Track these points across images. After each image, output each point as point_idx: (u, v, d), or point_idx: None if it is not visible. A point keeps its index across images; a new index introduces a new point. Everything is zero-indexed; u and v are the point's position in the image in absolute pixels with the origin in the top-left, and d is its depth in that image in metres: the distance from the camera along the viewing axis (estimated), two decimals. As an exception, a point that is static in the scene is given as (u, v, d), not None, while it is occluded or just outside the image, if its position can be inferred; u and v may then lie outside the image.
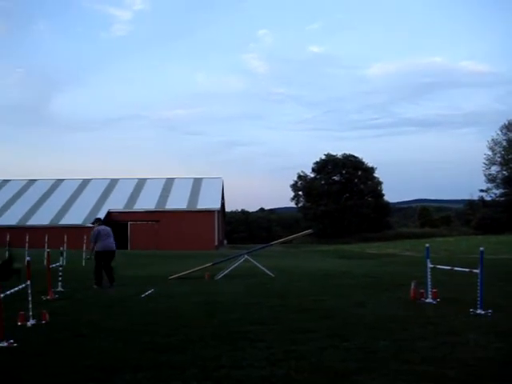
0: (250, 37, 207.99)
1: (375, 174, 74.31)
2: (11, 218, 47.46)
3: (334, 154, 75.08)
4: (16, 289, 10.89)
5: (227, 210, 70.47)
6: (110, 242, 15.15)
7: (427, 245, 11.35)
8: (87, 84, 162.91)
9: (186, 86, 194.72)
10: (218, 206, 51.79)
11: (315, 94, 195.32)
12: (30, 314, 8.50)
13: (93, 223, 16.48)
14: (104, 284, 14.58)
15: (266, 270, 16.97)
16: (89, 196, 52.52)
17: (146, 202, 51.27)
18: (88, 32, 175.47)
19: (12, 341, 6.95)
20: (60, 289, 13.13)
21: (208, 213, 50.14)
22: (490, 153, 72.64)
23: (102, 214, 48.20)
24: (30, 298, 8.57)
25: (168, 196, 52.76)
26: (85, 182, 56.07)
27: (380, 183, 74.14)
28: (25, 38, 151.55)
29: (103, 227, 15.45)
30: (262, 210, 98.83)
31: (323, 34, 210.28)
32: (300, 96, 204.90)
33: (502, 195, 72.87)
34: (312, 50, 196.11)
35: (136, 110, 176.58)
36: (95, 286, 14.41)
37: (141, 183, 55.93)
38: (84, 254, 22.72)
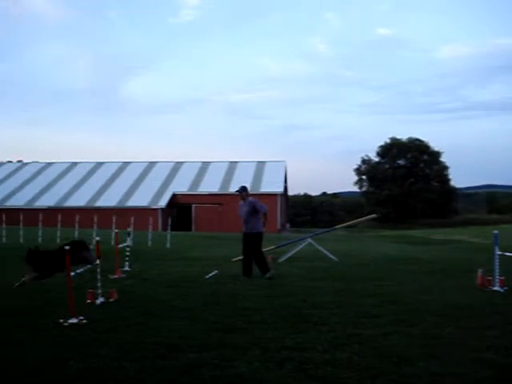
0: (317, 20, 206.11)
1: (442, 159, 72.76)
2: (80, 200, 48.77)
3: (400, 137, 73.89)
4: (85, 268, 11.27)
5: (290, 193, 70.40)
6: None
7: (495, 231, 11.04)
8: (156, 69, 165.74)
9: (252, 70, 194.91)
10: (280, 189, 51.77)
11: (381, 77, 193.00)
12: (99, 292, 8.73)
13: (241, 192, 12.64)
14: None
15: (329, 254, 16.87)
16: (154, 178, 53.46)
17: (210, 185, 51.80)
18: (156, 18, 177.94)
19: (82, 317, 7.20)
20: (127, 268, 13.45)
21: (270, 196, 50.13)
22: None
23: (166, 197, 49.02)
24: (98, 277, 8.77)
25: (231, 179, 53.12)
26: (150, 165, 57.05)
27: (447, 168, 72.60)
28: (96, 25, 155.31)
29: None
30: (324, 194, 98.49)
31: (391, 16, 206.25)
32: (366, 79, 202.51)
33: None
34: (380, 32, 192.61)
35: (201, 95, 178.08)
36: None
37: (205, 166, 56.48)
38: (150, 234, 23.16)
